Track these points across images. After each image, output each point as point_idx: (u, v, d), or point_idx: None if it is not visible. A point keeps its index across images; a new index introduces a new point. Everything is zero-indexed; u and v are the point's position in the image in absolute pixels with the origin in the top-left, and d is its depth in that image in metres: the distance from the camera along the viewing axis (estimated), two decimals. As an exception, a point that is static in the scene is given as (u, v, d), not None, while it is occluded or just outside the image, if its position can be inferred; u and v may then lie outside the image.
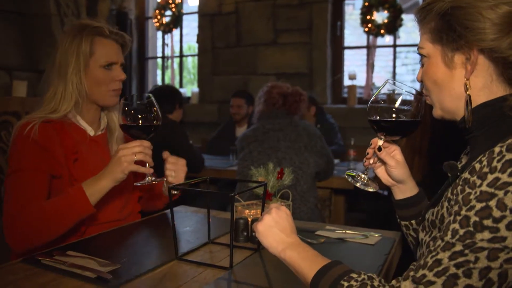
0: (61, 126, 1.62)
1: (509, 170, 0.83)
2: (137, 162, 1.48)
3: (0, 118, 1.85)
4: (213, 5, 5.48)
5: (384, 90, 1.19)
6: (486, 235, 0.82)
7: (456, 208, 0.88)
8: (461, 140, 1.07)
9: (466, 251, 0.83)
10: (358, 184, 1.27)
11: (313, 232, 1.62)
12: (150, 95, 1.49)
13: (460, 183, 0.93)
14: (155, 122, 1.48)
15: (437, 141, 1.87)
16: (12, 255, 1.58)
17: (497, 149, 0.88)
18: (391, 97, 1.18)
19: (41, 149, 1.55)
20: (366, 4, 4.73)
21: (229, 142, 4.35)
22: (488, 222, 0.82)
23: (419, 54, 1.09)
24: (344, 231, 1.62)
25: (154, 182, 1.50)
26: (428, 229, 1.07)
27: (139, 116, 1.46)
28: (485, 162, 0.87)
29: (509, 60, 0.93)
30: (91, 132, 1.72)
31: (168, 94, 3.77)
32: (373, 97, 1.20)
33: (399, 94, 1.17)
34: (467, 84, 0.97)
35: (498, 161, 0.85)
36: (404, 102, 1.16)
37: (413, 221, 1.28)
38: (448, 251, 0.84)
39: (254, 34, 5.27)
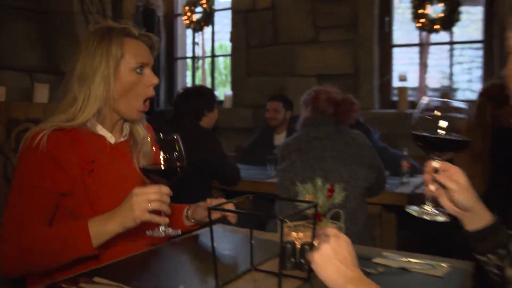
0: (75, 134, 1.58)
1: None
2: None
3: (21, 126, 1.85)
4: (247, 0, 5.46)
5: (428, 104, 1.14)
6: None
7: None
8: None
9: None
10: (425, 217, 1.18)
11: (369, 259, 1.54)
12: (176, 135, 1.45)
13: None
14: (178, 165, 1.43)
15: (501, 145, 1.77)
16: (28, 280, 1.56)
17: None
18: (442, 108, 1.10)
19: (50, 163, 1.51)
20: (418, -6, 4.62)
21: (266, 150, 4.29)
22: None
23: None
24: (406, 259, 1.53)
25: (168, 235, 1.45)
26: None
27: (161, 157, 1.41)
28: None
29: None
30: (111, 139, 1.68)
31: (195, 95, 3.63)
32: (418, 112, 1.13)
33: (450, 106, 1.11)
34: None
35: None
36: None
37: (491, 256, 1.18)
38: None
39: (292, 31, 5.21)
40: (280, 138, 4.51)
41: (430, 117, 1.12)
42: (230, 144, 5.21)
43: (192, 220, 1.82)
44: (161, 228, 1.43)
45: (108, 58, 1.60)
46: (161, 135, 1.46)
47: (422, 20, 4.58)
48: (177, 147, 1.43)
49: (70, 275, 1.37)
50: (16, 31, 3.85)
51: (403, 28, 5.50)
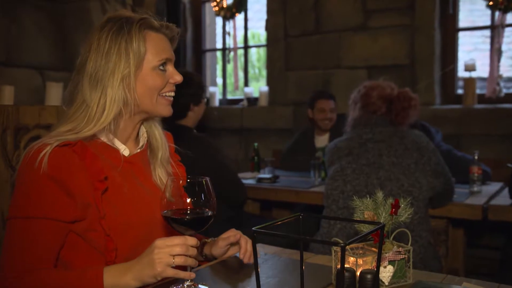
0: (83, 149, 1.52)
1: None
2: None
3: (32, 133, 1.82)
4: (285, -18, 5.44)
5: None
6: None
7: None
8: None
9: None
10: None
11: (445, 289, 1.45)
12: (207, 179, 1.43)
13: None
14: (209, 213, 1.41)
15: None
16: None
17: None
18: None
19: (56, 186, 1.45)
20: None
21: (308, 154, 4.25)
22: None
23: None
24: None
25: None
26: None
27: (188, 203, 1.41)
28: None
29: None
30: (125, 151, 1.64)
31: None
32: None
33: None
34: None
35: None
36: None
37: None
38: None
39: (338, 17, 5.18)
40: (322, 140, 4.48)
41: None
42: (266, 148, 5.21)
43: (204, 256, 1.79)
44: (186, 284, 1.41)
45: (128, 56, 1.55)
46: (188, 178, 1.45)
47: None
48: (206, 191, 1.42)
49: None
50: (26, 22, 3.89)
51: (468, 8, 5.37)
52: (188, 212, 1.41)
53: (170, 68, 1.64)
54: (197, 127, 3.56)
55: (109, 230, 1.50)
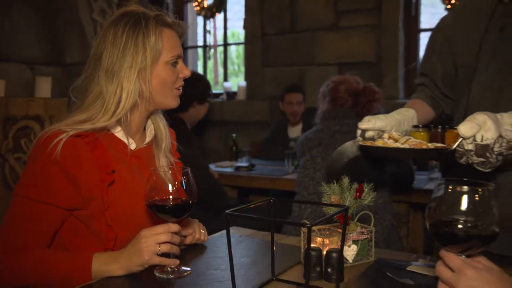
0: (95, 140, 1.50)
1: None
2: None
3: (20, 124, 1.79)
4: (262, -16, 5.42)
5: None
6: None
7: None
8: None
9: None
10: None
11: (403, 268, 1.46)
12: (188, 169, 1.43)
13: None
14: (190, 201, 1.41)
15: None
16: None
17: None
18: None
19: (63, 175, 1.44)
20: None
21: (282, 145, 4.27)
22: None
23: None
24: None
25: (177, 276, 1.41)
26: None
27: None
28: None
29: None
30: (132, 145, 1.61)
31: (190, 82, 3.43)
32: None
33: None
34: None
35: None
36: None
37: None
38: None
39: (312, 17, 5.17)
40: (295, 131, 4.50)
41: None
42: (244, 139, 5.20)
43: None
44: (170, 269, 1.41)
45: (145, 50, 1.52)
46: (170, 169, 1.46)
47: (453, 1, 4.48)
48: (187, 180, 1.42)
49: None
50: (18, 19, 3.83)
51: (430, 11, 5.42)
52: (171, 200, 1.40)
53: (180, 63, 1.62)
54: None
55: (111, 221, 1.49)
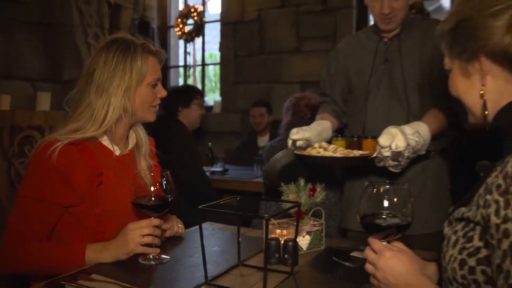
0: (85, 147, 1.54)
1: None
2: None
3: (24, 133, 1.83)
4: (235, 13, 5.46)
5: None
6: None
7: (510, 226, 0.83)
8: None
9: None
10: None
11: (348, 253, 1.54)
12: (168, 172, 1.49)
13: (495, 190, 0.88)
14: (169, 199, 1.47)
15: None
16: (33, 278, 1.54)
17: None
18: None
19: (58, 177, 1.47)
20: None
21: (252, 152, 4.31)
22: None
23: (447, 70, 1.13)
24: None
25: (158, 262, 1.46)
26: (454, 223, 1.02)
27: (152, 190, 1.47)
28: None
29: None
30: (117, 151, 1.65)
31: (173, 92, 3.50)
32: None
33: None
34: (483, 90, 1.02)
35: None
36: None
37: None
38: None
39: (278, 41, 5.22)
40: (263, 141, 4.54)
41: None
42: (219, 147, 5.21)
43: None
44: (152, 255, 1.47)
45: (132, 72, 1.56)
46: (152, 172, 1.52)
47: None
48: (166, 181, 1.48)
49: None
50: (21, 42, 3.83)
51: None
52: (153, 199, 1.46)
53: (159, 85, 1.68)
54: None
55: (100, 216, 1.52)
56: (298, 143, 1.81)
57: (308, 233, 1.58)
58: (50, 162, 1.45)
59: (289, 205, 1.47)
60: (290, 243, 1.42)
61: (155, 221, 1.47)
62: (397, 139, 1.59)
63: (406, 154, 1.62)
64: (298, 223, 1.37)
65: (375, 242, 1.07)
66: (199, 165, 3.42)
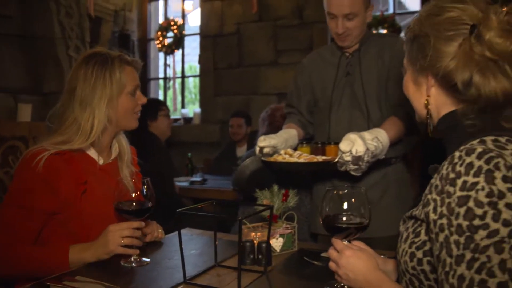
0: (70, 157, 1.60)
1: (472, 172, 0.92)
2: None
3: (8, 143, 1.88)
4: (214, 26, 5.56)
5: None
6: (482, 233, 0.88)
7: (445, 221, 0.93)
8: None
9: (477, 255, 0.88)
10: None
11: (318, 254, 1.63)
12: (148, 179, 1.57)
13: (434, 189, 0.98)
14: (149, 205, 1.54)
15: (431, 154, 2.01)
16: (17, 282, 1.60)
17: (457, 154, 0.96)
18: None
19: (43, 185, 1.53)
20: (366, 24, 4.78)
21: (231, 162, 4.37)
22: (477, 222, 0.89)
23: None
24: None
25: (139, 264, 1.52)
26: (407, 221, 1.13)
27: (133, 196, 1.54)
28: (449, 169, 0.95)
29: (455, 87, 1.04)
30: (100, 161, 1.71)
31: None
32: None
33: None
34: (428, 101, 1.12)
35: (461, 165, 0.93)
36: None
37: None
38: (463, 263, 0.89)
39: (256, 54, 5.33)
40: (241, 151, 4.60)
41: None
42: (199, 157, 5.25)
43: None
44: (133, 258, 1.53)
45: (112, 84, 1.63)
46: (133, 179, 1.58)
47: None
48: (147, 187, 1.55)
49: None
50: (3, 55, 3.85)
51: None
52: (134, 204, 1.54)
53: (138, 92, 1.75)
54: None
55: (84, 223, 1.59)
56: (265, 150, 1.90)
57: (281, 235, 1.67)
58: (36, 170, 1.51)
59: (261, 208, 1.56)
60: (264, 245, 1.50)
61: (135, 223, 1.53)
62: (357, 145, 1.68)
63: (365, 158, 1.71)
64: (270, 225, 1.46)
65: (337, 242, 1.17)
66: (169, 175, 3.52)
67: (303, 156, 1.85)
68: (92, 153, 1.69)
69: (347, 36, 2.02)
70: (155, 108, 3.68)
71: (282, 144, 1.96)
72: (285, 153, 1.88)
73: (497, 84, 0.99)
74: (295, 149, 2.03)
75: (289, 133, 2.07)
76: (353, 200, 1.19)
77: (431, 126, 1.14)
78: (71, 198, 1.57)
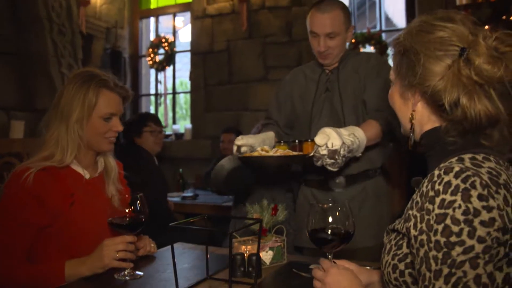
0: (56, 172, 1.65)
1: (449, 190, 0.95)
2: None
3: (3, 159, 1.92)
4: (205, 43, 5.62)
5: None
6: (458, 249, 0.92)
7: (424, 237, 0.97)
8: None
9: (453, 270, 0.92)
10: None
11: (307, 265, 1.67)
12: (141, 194, 1.60)
13: (414, 206, 1.02)
14: (142, 219, 1.58)
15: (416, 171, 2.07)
16: None
17: (436, 172, 1.00)
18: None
19: (32, 200, 1.58)
20: (353, 41, 4.88)
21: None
22: (453, 238, 0.93)
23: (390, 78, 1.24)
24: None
25: (133, 277, 1.56)
26: (390, 234, 1.17)
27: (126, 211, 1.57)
28: (429, 186, 0.99)
29: (442, 107, 1.07)
30: (86, 175, 1.75)
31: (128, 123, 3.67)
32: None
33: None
34: (413, 115, 1.15)
35: (439, 184, 0.97)
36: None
37: None
38: (441, 278, 0.93)
39: (246, 71, 5.38)
40: (233, 166, 4.63)
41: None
42: (190, 173, 5.28)
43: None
44: (127, 271, 1.57)
45: (84, 103, 1.67)
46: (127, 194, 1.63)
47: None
48: (140, 203, 1.59)
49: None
50: (-4, 72, 3.89)
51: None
52: (127, 219, 1.58)
53: (115, 120, 1.75)
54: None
55: (74, 234, 1.63)
56: (242, 149, 1.94)
57: (271, 248, 1.71)
58: (25, 186, 1.56)
59: (251, 222, 1.61)
60: (254, 257, 1.55)
61: (129, 237, 1.58)
62: (333, 138, 1.69)
63: (342, 152, 1.71)
64: (260, 238, 1.51)
65: (324, 261, 1.22)
66: (159, 188, 3.55)
67: (279, 152, 1.87)
68: (77, 167, 1.74)
69: (328, 54, 2.11)
70: (141, 124, 3.68)
71: (259, 144, 2.00)
72: (262, 150, 1.91)
73: (481, 107, 1.03)
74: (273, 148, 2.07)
75: (267, 135, 2.13)
76: (337, 213, 1.24)
77: (412, 140, 1.17)
78: (60, 210, 1.62)
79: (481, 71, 1.02)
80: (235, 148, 1.96)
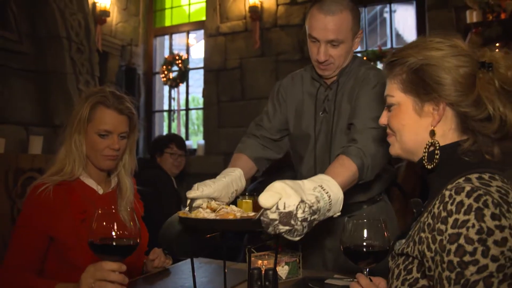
0: (69, 187, 1.69)
1: (462, 210, 0.96)
2: None
3: (27, 174, 1.97)
4: (218, 61, 5.68)
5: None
6: (472, 269, 0.93)
7: (438, 257, 0.97)
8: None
9: None
10: None
11: (323, 280, 1.69)
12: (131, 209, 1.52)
13: (426, 228, 1.03)
14: (132, 243, 1.27)
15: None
16: None
17: (447, 193, 1.00)
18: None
19: (47, 211, 1.62)
20: (365, 58, 4.91)
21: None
22: (467, 258, 0.93)
23: (388, 101, 1.21)
24: (352, 280, 1.69)
25: None
26: (396, 258, 1.16)
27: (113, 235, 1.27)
28: (441, 207, 0.99)
29: (469, 115, 1.08)
30: (99, 190, 1.77)
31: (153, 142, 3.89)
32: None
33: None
34: (434, 131, 1.12)
35: (451, 204, 0.98)
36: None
37: None
38: None
39: (258, 88, 5.42)
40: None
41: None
42: (203, 188, 5.27)
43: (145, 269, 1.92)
44: None
45: (79, 120, 1.71)
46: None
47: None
48: (132, 222, 1.29)
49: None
50: (16, 88, 3.97)
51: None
52: (114, 241, 1.27)
53: (112, 138, 1.73)
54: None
55: (84, 249, 1.60)
56: (196, 203, 1.50)
57: (287, 263, 1.74)
58: (41, 199, 1.61)
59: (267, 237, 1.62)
60: (270, 272, 1.56)
61: (112, 264, 1.28)
62: (286, 196, 1.20)
63: (300, 215, 1.20)
64: (277, 253, 1.52)
65: (361, 277, 1.20)
66: (169, 199, 3.62)
67: (222, 212, 1.37)
68: (90, 182, 1.76)
69: (329, 65, 1.79)
70: (164, 143, 3.85)
71: (221, 192, 1.63)
72: (207, 207, 1.47)
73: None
74: (237, 197, 1.74)
75: (232, 175, 1.73)
76: (373, 229, 1.23)
77: (425, 156, 1.13)
78: (71, 227, 1.64)
79: (507, 78, 1.05)
80: (188, 201, 1.53)
